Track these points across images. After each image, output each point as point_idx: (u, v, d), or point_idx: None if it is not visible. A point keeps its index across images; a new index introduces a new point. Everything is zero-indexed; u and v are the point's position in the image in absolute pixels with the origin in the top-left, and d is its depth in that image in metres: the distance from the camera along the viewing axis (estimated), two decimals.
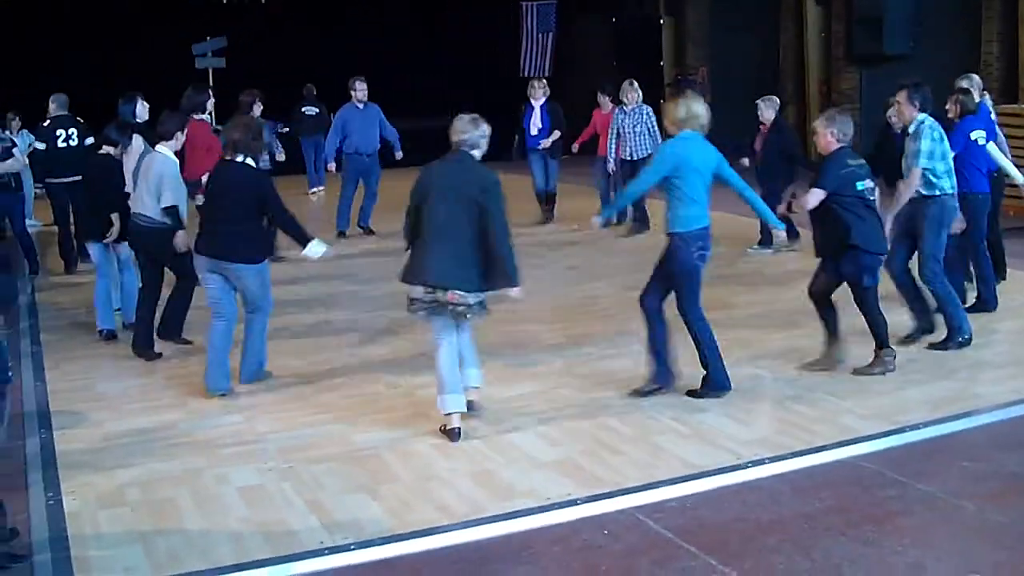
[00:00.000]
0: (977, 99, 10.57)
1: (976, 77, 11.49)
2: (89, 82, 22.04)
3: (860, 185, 8.43)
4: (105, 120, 10.86)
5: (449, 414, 7.46)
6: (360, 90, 15.26)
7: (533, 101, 16.64)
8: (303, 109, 20.80)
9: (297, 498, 6.56)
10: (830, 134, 8.49)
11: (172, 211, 9.28)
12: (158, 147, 9.53)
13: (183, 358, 9.56)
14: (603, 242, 14.78)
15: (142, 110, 11.34)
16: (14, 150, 13.39)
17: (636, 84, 15.61)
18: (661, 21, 26.91)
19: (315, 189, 20.41)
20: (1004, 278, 11.43)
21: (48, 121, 13.83)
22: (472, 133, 7.44)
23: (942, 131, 9.30)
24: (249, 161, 8.42)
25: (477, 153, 7.49)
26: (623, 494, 6.53)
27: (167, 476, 6.96)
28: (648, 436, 7.52)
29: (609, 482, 6.72)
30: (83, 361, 9.65)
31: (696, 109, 8.10)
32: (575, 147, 16.86)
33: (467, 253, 7.28)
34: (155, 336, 9.66)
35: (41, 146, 13.84)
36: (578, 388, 8.30)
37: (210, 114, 13.02)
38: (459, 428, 7.44)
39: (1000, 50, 19.66)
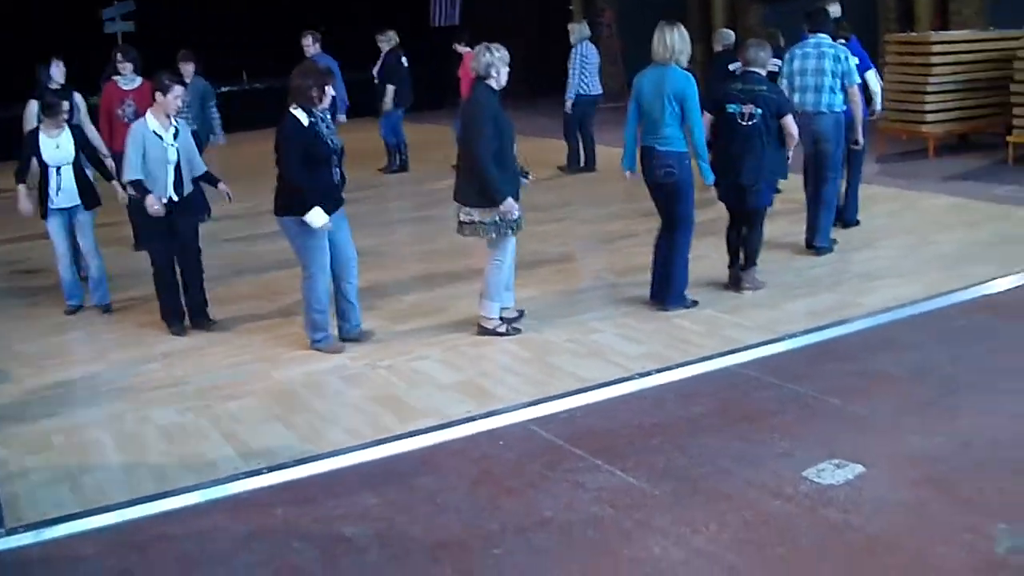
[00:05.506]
0: None
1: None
2: None
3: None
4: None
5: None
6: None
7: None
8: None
9: (214, 432, 6.96)
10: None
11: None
12: None
13: (93, 317, 9.90)
14: None
15: (57, 73, 11.54)
16: None
17: None
18: None
19: None
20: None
21: None
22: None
23: None
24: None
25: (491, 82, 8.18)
26: (518, 408, 7.02)
27: (91, 421, 7.32)
28: (544, 356, 8.01)
29: (506, 399, 7.20)
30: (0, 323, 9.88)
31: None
32: None
33: None
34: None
35: None
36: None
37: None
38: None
39: None
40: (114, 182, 9.94)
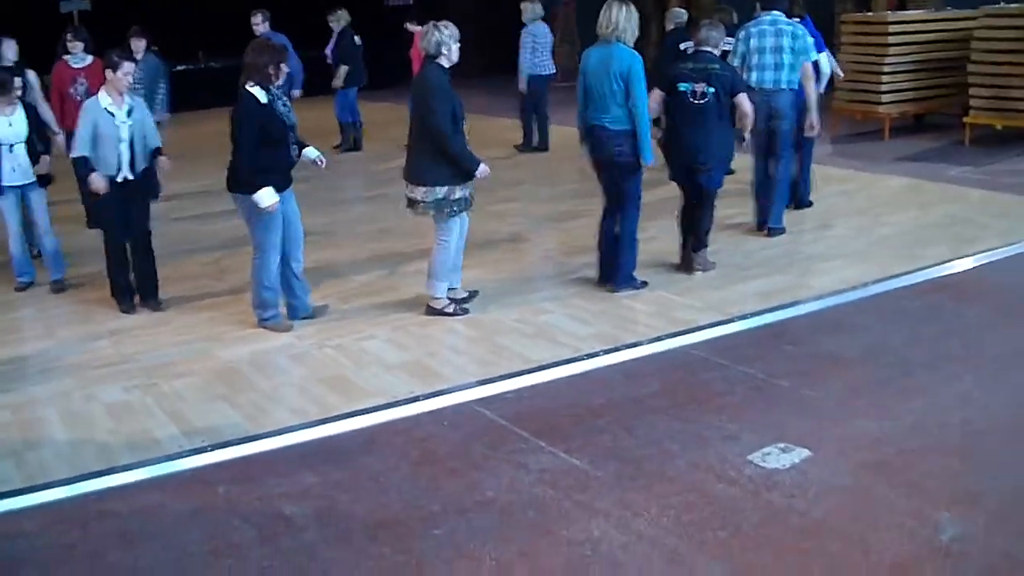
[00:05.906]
0: None
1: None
2: None
3: None
4: None
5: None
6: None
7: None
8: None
9: (159, 410, 6.91)
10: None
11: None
12: None
13: (44, 294, 9.77)
14: None
15: (9, 51, 11.35)
16: None
17: None
18: None
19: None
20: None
21: None
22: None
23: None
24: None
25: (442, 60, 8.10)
26: (463, 389, 7.02)
27: (38, 398, 7.25)
28: (492, 337, 8.00)
29: (452, 380, 7.19)
30: None
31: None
32: None
33: None
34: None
35: None
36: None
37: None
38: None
39: None
40: (44, 156, 9.76)
